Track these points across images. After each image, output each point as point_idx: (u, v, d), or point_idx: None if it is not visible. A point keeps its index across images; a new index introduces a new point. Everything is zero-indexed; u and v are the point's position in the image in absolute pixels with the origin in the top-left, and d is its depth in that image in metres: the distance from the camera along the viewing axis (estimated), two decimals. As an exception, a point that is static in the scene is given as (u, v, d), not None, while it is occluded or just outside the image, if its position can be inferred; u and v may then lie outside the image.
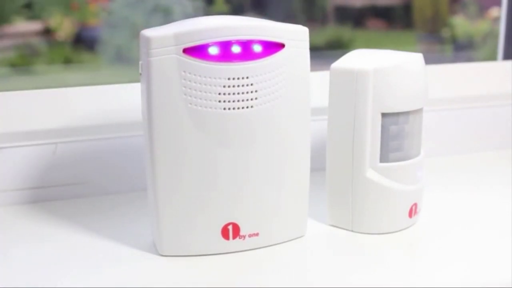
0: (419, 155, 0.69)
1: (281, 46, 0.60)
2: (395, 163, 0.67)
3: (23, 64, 0.95)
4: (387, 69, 0.65)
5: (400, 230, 0.69)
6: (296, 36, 0.61)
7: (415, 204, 0.69)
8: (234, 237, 0.63)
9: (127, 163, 0.81)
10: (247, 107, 0.60)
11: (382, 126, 0.66)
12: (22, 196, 0.78)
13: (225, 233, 0.62)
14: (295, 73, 0.61)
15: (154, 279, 0.59)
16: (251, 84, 0.60)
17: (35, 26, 0.96)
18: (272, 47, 0.60)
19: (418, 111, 0.68)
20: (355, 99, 0.65)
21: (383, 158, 0.67)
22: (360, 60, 0.66)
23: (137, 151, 0.80)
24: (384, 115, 0.65)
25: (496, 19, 1.16)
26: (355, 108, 0.65)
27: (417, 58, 0.67)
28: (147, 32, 0.58)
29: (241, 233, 0.63)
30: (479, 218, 0.74)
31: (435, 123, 0.96)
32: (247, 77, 0.59)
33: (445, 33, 1.26)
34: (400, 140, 0.67)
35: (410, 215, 0.69)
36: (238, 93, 0.59)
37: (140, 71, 0.60)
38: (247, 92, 0.60)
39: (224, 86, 0.59)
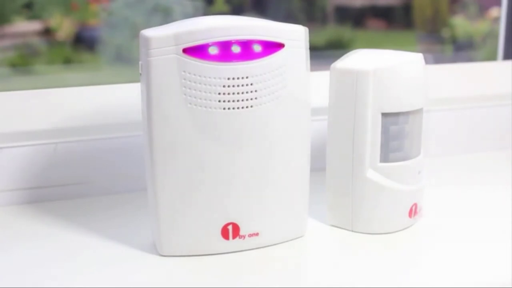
0: (419, 155, 0.69)
1: (280, 46, 0.60)
2: (395, 163, 0.67)
3: (23, 64, 0.95)
4: (387, 69, 0.65)
5: (400, 230, 0.69)
6: (295, 36, 0.61)
7: (415, 204, 0.69)
8: (234, 237, 0.63)
9: (127, 163, 0.81)
10: (246, 107, 0.60)
11: (382, 126, 0.66)
12: (22, 196, 0.78)
13: (225, 233, 0.62)
14: (295, 72, 0.61)
15: (154, 279, 0.59)
16: (251, 84, 0.60)
17: (35, 26, 0.96)
18: (272, 47, 0.60)
19: (418, 111, 0.68)
20: (355, 99, 0.65)
21: (383, 158, 0.67)
22: (360, 60, 0.66)
23: (137, 151, 0.80)
24: (384, 115, 0.65)
25: (496, 19, 1.16)
26: (355, 108, 0.65)
27: (417, 58, 0.67)
28: (147, 32, 0.58)
29: (241, 233, 0.63)
30: (479, 218, 0.73)
31: (435, 123, 0.96)
32: (246, 77, 0.59)
33: (445, 33, 1.26)
34: (400, 140, 0.67)
35: (410, 215, 0.69)
36: (238, 93, 0.59)
37: (140, 71, 0.60)
38: (247, 92, 0.60)
39: (224, 86, 0.59)
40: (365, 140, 0.65)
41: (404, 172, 0.67)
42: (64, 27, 0.97)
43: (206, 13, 1.01)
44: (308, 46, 0.62)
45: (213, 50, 0.58)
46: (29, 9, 0.96)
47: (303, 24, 0.63)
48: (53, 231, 0.70)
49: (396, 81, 0.65)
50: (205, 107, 0.59)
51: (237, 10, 1.09)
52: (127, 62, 0.98)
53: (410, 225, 0.70)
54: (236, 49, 0.59)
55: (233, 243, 0.63)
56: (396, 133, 0.67)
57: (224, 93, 0.59)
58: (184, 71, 0.58)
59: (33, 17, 0.96)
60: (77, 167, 0.80)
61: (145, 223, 0.69)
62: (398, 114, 0.66)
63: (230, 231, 0.63)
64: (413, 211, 0.69)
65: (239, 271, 0.60)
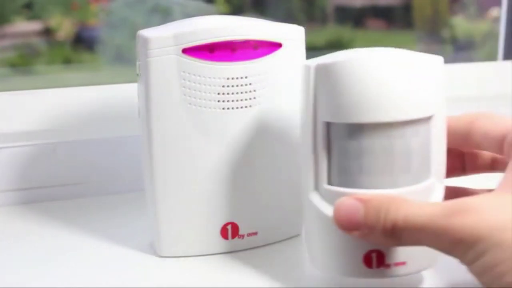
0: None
1: (278, 45, 0.60)
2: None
3: (23, 64, 0.95)
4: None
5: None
6: (292, 36, 0.61)
7: None
8: (233, 237, 0.63)
9: (127, 163, 0.81)
10: (245, 107, 0.60)
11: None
12: (21, 196, 0.78)
13: (224, 232, 0.63)
14: (292, 72, 0.61)
15: (153, 280, 0.59)
16: (250, 84, 0.60)
17: (35, 26, 0.96)
18: (270, 46, 0.60)
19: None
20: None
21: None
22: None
23: (137, 151, 0.80)
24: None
25: (496, 19, 1.16)
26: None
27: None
28: (145, 32, 0.58)
29: (240, 232, 0.63)
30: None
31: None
32: (245, 77, 0.59)
33: (445, 33, 1.26)
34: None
35: None
36: (237, 93, 0.59)
37: (137, 71, 0.60)
38: (246, 92, 0.60)
39: (223, 86, 0.59)
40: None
41: None
42: (64, 27, 0.97)
43: (205, 13, 1.02)
44: (304, 46, 0.62)
45: (212, 50, 0.58)
46: (29, 9, 0.96)
47: (303, 24, 0.63)
48: (52, 231, 0.70)
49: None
50: (205, 107, 0.59)
51: (237, 10, 1.09)
52: (127, 62, 0.98)
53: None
54: (235, 49, 0.59)
55: (233, 243, 0.63)
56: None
57: (223, 93, 0.59)
58: (184, 72, 0.58)
59: (33, 17, 0.96)
60: (77, 167, 0.80)
61: (144, 224, 0.69)
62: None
63: (229, 230, 0.63)
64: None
65: (239, 270, 0.60)
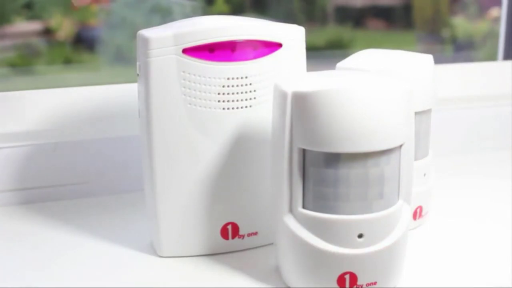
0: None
1: (278, 45, 0.60)
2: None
3: (23, 64, 0.95)
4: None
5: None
6: (292, 36, 0.61)
7: (420, 207, 0.69)
8: (233, 237, 0.63)
9: (127, 164, 0.81)
10: (246, 107, 0.60)
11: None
12: (21, 196, 0.78)
13: (224, 233, 0.63)
14: (292, 72, 0.61)
15: (153, 280, 0.59)
16: (250, 84, 0.60)
17: (35, 26, 0.96)
18: (270, 46, 0.60)
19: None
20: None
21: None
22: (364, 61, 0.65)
23: (137, 151, 0.80)
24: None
25: (496, 19, 1.16)
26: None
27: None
28: (145, 33, 0.58)
29: (240, 232, 0.63)
30: (478, 219, 0.74)
31: (435, 123, 0.96)
32: (246, 77, 0.59)
33: (445, 33, 1.26)
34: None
35: (414, 217, 0.69)
36: (237, 93, 0.60)
37: (137, 71, 0.60)
38: (246, 92, 0.60)
39: (223, 86, 0.59)
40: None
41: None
42: (64, 27, 0.97)
43: (205, 13, 1.02)
44: (304, 46, 0.62)
45: (212, 50, 0.58)
46: (29, 9, 0.96)
47: (303, 24, 0.63)
48: (52, 231, 0.70)
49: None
50: (205, 107, 0.59)
51: (237, 10, 1.09)
52: (127, 62, 0.98)
53: (414, 227, 0.69)
54: (235, 49, 0.59)
55: (233, 243, 0.63)
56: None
57: (223, 93, 0.59)
58: (184, 72, 0.58)
59: (33, 17, 0.96)
60: (77, 167, 0.80)
61: (145, 224, 0.69)
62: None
63: (230, 231, 0.63)
64: (417, 214, 0.69)
65: (239, 270, 0.60)
